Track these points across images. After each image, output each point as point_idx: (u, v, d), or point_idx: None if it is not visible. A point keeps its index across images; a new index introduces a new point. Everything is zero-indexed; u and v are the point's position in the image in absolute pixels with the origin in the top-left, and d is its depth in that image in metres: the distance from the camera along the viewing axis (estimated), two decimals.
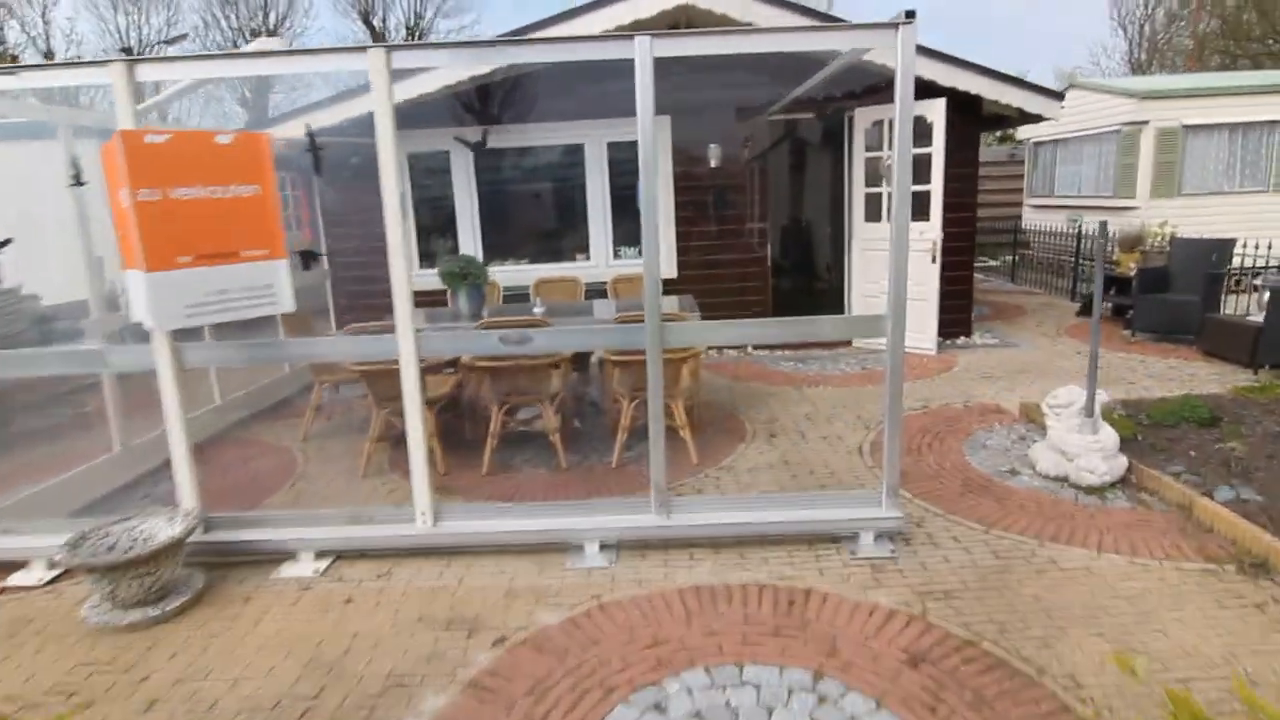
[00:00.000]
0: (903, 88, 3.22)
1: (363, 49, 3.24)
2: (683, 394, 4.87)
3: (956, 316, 8.15)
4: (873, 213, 7.76)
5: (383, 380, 4.53)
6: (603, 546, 3.65)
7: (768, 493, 4.32)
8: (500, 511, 3.76)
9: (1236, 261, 8.07)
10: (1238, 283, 9.02)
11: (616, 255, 8.06)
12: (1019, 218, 15.04)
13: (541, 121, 7.69)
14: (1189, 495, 3.81)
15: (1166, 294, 7.83)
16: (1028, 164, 14.90)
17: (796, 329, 3.60)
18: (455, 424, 5.69)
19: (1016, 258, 13.28)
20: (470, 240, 7.96)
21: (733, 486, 4.45)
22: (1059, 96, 7.48)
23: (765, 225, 8.17)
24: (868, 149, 7.67)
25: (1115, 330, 8.45)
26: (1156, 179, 10.73)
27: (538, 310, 5.74)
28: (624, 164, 8.00)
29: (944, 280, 7.61)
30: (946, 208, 7.35)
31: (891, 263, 3.37)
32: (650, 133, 3.27)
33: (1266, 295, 6.69)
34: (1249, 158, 10.74)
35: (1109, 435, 4.17)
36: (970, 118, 7.71)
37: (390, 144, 3.30)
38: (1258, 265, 9.10)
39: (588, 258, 8.06)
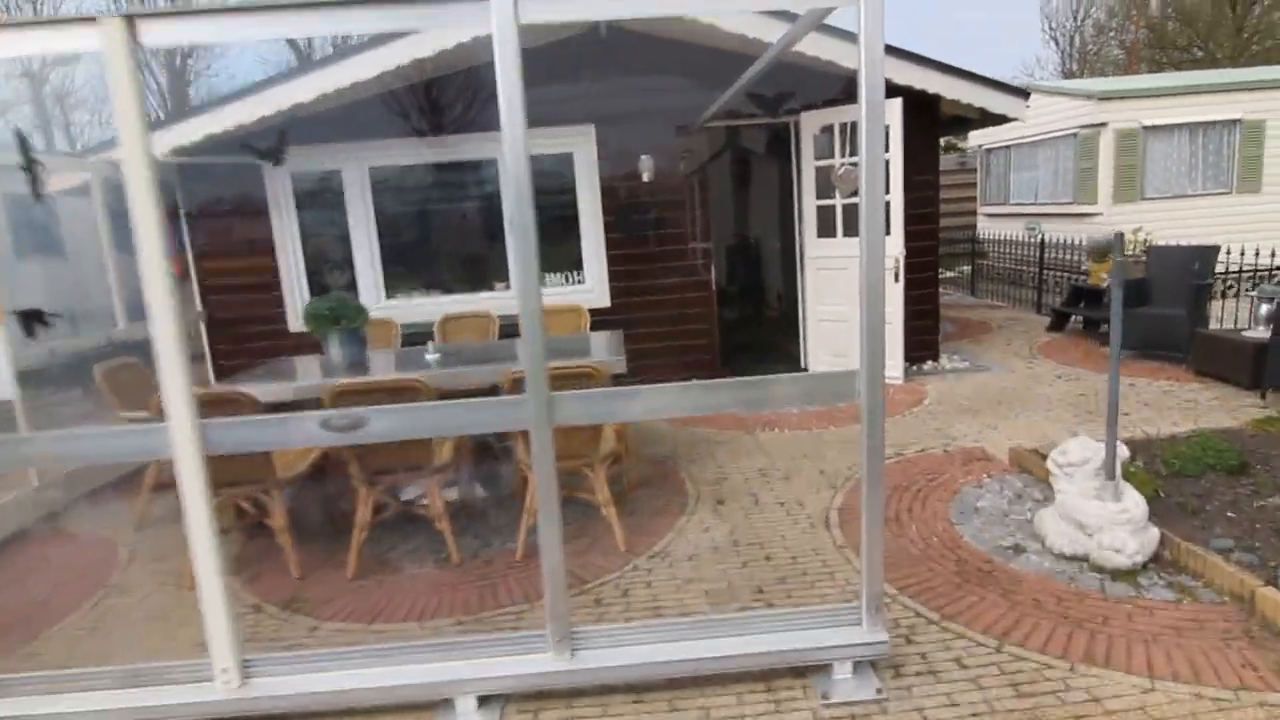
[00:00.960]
0: (868, 60, 2.33)
1: (90, 19, 2.22)
2: (604, 460, 3.89)
3: (923, 339, 7.35)
4: (825, 227, 6.92)
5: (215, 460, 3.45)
6: (485, 701, 2.64)
7: (714, 611, 3.35)
8: (338, 658, 2.71)
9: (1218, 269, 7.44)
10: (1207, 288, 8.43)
11: (543, 283, 7.06)
12: (974, 227, 14.49)
13: (451, 134, 6.69)
14: (1248, 583, 2.95)
15: (1148, 307, 7.13)
16: (980, 172, 14.37)
17: (740, 394, 2.64)
18: (323, 503, 4.61)
19: (975, 269, 12.66)
20: (369, 271, 6.90)
21: (667, 586, 3.46)
22: (1024, 95, 6.76)
23: (708, 245, 7.27)
24: (817, 157, 6.84)
25: (1093, 347, 7.73)
26: (1118, 183, 10.17)
27: (431, 358, 4.71)
28: (546, 179, 7.04)
29: (909, 300, 6.80)
30: (908, 219, 6.55)
31: (863, 302, 2.46)
32: (519, 135, 2.31)
33: (1264, 308, 6.01)
34: (1210, 158, 10.25)
35: (1136, 502, 3.31)
36: (928, 120, 6.95)
37: (140, 151, 2.27)
38: (1242, 270, 8.54)
39: (508, 287, 7.05)
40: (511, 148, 2.33)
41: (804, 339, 7.33)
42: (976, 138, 13.99)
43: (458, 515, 4.18)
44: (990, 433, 5.27)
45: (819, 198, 6.91)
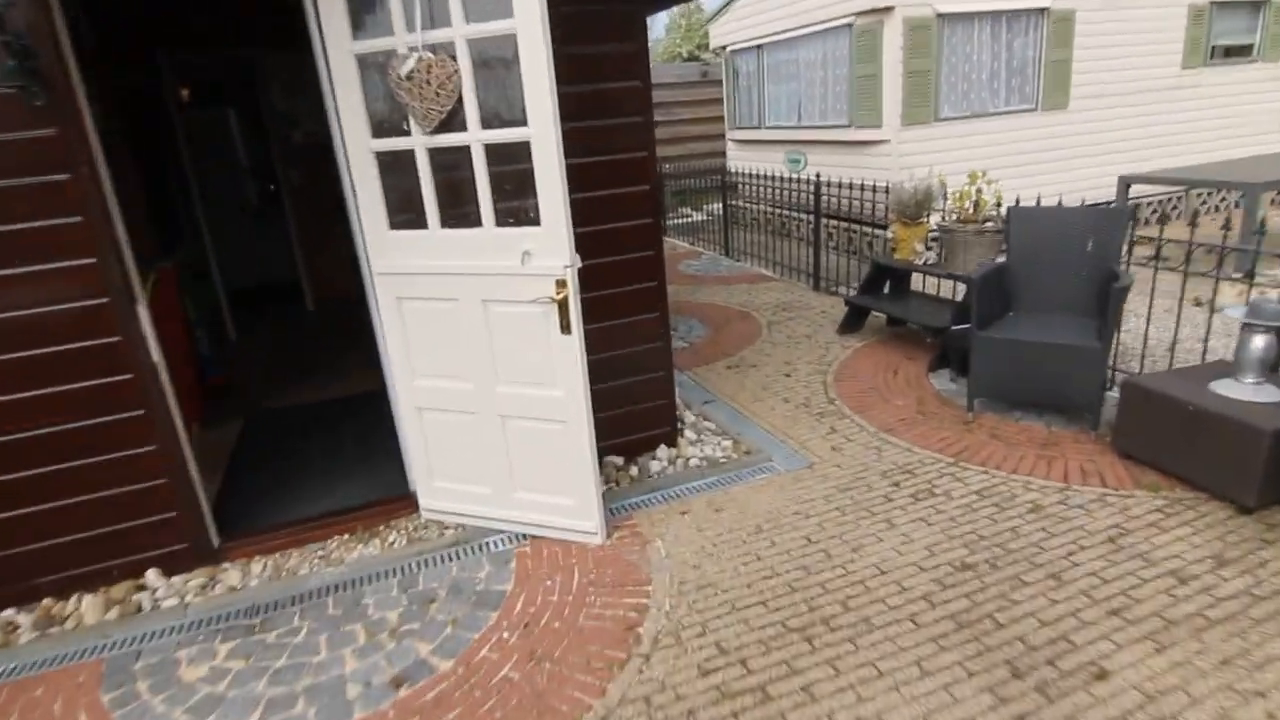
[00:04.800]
0: None
1: None
2: None
3: (648, 408, 3.80)
4: (401, 207, 2.98)
5: None
6: None
7: None
8: None
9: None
10: None
11: None
12: (725, 154, 11.39)
13: None
14: None
15: (1013, 320, 4.11)
16: (726, 84, 11.13)
17: None
18: None
19: (728, 217, 9.44)
20: None
21: None
22: None
23: (121, 261, 3.05)
24: (358, 33, 2.82)
25: (915, 373, 4.68)
26: (909, 97, 7.26)
27: None
28: None
29: (605, 342, 3.18)
30: (579, 181, 2.83)
31: None
32: None
33: (1258, 340, 3.09)
34: (1015, 63, 7.67)
35: None
36: None
37: None
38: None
39: None
40: None
41: (403, 443, 3.43)
42: (721, 37, 10.67)
43: None
44: None
45: (378, 134, 2.92)
